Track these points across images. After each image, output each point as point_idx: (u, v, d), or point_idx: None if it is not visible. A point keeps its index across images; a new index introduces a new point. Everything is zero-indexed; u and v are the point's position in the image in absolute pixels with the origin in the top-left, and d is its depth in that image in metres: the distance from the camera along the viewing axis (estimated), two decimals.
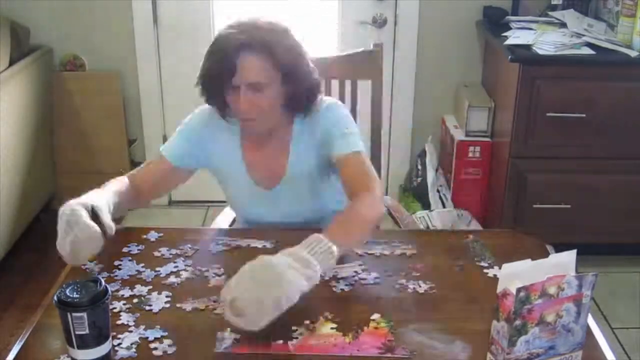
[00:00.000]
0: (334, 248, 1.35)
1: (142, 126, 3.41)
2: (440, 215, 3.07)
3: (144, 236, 1.69)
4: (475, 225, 3.11)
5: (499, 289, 1.20)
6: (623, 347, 2.51)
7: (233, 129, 1.74)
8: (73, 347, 1.21)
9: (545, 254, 1.61)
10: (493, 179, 3.12)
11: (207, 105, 1.76)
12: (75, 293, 1.21)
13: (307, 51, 1.68)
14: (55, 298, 1.22)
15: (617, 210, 2.90)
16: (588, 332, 1.35)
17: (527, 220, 2.88)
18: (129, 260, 1.59)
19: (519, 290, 1.17)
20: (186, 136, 1.77)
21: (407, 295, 1.46)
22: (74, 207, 1.46)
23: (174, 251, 1.62)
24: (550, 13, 3.08)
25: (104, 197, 1.55)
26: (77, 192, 3.67)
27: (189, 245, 1.64)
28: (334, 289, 1.47)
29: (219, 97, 1.66)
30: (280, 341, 1.31)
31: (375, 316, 1.38)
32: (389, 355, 1.28)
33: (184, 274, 1.52)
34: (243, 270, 1.27)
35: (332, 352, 1.29)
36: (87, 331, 1.20)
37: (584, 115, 2.74)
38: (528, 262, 1.23)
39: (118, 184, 1.67)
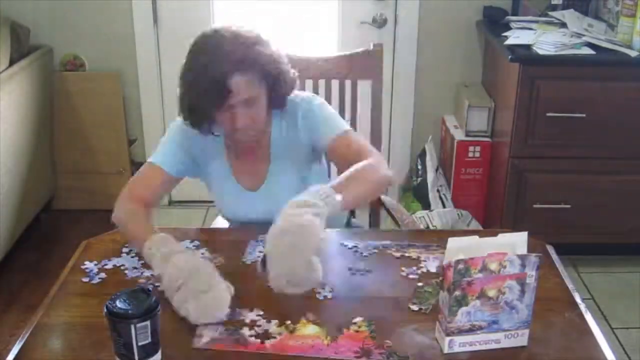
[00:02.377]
0: (337, 196, 1.42)
1: (142, 126, 3.41)
2: (440, 215, 3.07)
3: None
4: (475, 225, 3.11)
5: (445, 261, 1.26)
6: (623, 347, 2.51)
7: (214, 136, 1.73)
8: (134, 359, 1.21)
9: (545, 254, 1.62)
10: (493, 179, 3.12)
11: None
12: (127, 304, 1.20)
13: (280, 50, 1.67)
14: (106, 312, 1.20)
15: (617, 210, 2.90)
16: (588, 332, 1.36)
17: (527, 220, 2.88)
18: (128, 259, 1.59)
19: (457, 262, 1.23)
20: (176, 145, 1.76)
21: (407, 294, 1.47)
22: (212, 274, 1.40)
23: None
24: (550, 13, 3.08)
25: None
26: (77, 192, 3.66)
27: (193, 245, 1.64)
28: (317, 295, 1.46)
29: (207, 120, 1.65)
30: (258, 340, 1.32)
31: (358, 319, 1.38)
32: (364, 359, 1.28)
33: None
34: (269, 252, 1.35)
35: (308, 353, 1.29)
36: (149, 340, 1.20)
37: (584, 115, 2.74)
38: (475, 238, 1.28)
39: (144, 213, 1.64)
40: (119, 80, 3.27)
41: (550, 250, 1.64)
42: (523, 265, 1.26)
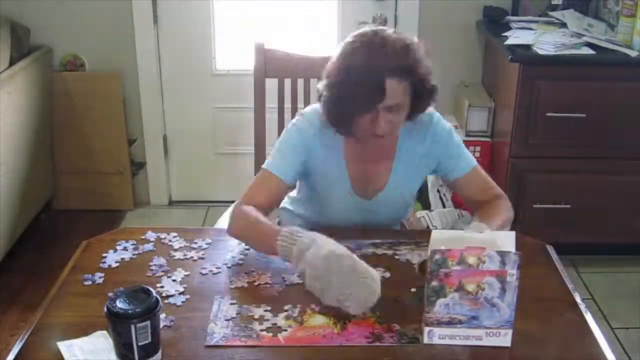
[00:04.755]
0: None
1: (142, 126, 3.40)
2: (440, 215, 3.07)
3: (142, 237, 1.69)
4: None
5: (429, 252, 1.26)
6: (623, 347, 2.51)
7: (336, 137, 1.70)
8: (134, 359, 1.21)
9: (546, 254, 1.63)
10: (493, 178, 3.10)
11: (307, 115, 1.72)
12: (127, 304, 1.20)
13: (430, 64, 1.67)
14: (106, 312, 1.20)
15: (617, 210, 2.90)
16: (588, 332, 1.36)
17: (527, 220, 2.88)
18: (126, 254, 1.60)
19: (433, 252, 1.24)
20: (294, 152, 1.71)
21: (408, 294, 1.47)
22: (345, 267, 1.36)
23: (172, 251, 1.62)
24: (550, 13, 3.08)
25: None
26: (77, 192, 3.66)
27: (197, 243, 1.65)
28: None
29: (350, 119, 1.61)
30: (270, 334, 1.33)
31: None
32: (377, 344, 1.31)
33: (181, 270, 1.54)
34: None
35: (322, 342, 1.31)
36: (149, 340, 1.20)
37: (584, 115, 2.74)
38: (460, 232, 1.30)
39: (262, 214, 1.61)
40: (119, 80, 3.27)
41: (550, 250, 1.64)
42: (503, 263, 1.26)
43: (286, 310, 1.40)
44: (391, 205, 1.79)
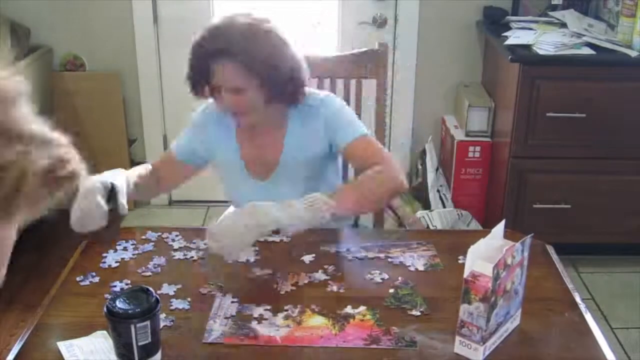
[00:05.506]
0: (331, 202, 1.51)
1: (142, 126, 3.41)
2: (440, 215, 3.07)
3: (143, 237, 1.69)
4: (475, 225, 3.11)
5: (466, 273, 1.23)
6: (623, 347, 2.51)
7: (230, 121, 1.75)
8: (134, 359, 1.21)
9: (545, 254, 1.62)
10: (493, 179, 3.12)
11: (209, 101, 1.79)
12: (127, 304, 1.20)
13: (289, 49, 1.66)
14: (106, 312, 1.20)
15: (617, 210, 2.90)
16: (588, 332, 1.36)
17: (527, 220, 2.88)
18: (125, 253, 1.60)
19: (494, 268, 1.21)
20: (191, 132, 1.85)
21: (387, 295, 1.46)
22: (94, 183, 1.52)
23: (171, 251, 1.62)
24: (550, 13, 3.08)
25: (125, 176, 1.63)
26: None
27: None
28: (327, 288, 1.48)
29: (200, 91, 1.70)
30: (268, 333, 1.33)
31: (361, 309, 1.40)
32: (374, 346, 1.30)
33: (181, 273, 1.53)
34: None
35: (319, 343, 1.32)
36: (149, 340, 1.21)
37: (584, 115, 2.74)
38: (480, 243, 1.26)
39: (142, 168, 1.80)
40: (119, 80, 3.27)
41: (550, 250, 1.64)
42: (523, 250, 1.29)
43: (286, 310, 1.40)
44: (287, 184, 1.76)
